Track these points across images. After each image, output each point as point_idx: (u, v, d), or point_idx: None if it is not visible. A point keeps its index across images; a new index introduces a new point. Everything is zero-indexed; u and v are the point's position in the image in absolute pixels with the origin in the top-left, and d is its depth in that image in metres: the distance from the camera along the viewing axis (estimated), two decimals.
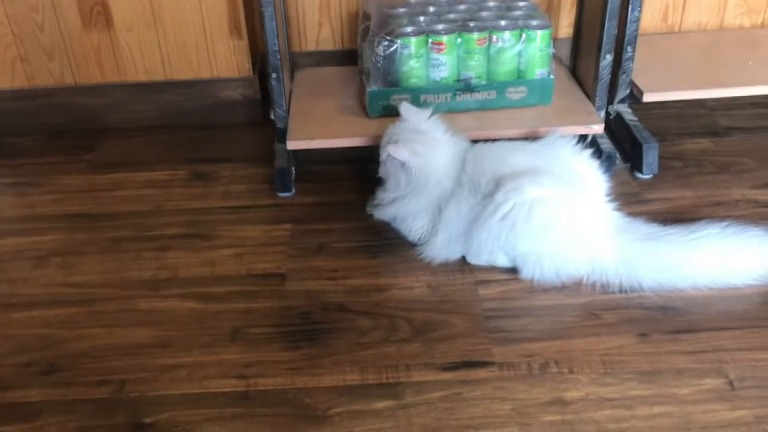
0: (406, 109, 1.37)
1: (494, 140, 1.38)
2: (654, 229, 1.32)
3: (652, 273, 1.26)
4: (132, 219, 1.50)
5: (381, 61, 1.51)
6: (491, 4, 1.62)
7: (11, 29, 1.70)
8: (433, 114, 1.37)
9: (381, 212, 1.43)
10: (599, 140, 1.57)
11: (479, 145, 1.36)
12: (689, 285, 1.25)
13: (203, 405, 1.09)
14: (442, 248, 1.34)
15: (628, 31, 1.53)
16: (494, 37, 1.52)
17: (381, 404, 1.08)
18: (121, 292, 1.31)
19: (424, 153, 1.31)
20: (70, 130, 1.81)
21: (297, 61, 1.83)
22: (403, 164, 1.32)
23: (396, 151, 1.31)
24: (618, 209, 1.34)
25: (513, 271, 1.31)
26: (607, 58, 1.54)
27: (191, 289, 1.31)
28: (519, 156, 1.30)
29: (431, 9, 1.62)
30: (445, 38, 1.50)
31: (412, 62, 1.52)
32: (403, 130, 1.35)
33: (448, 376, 1.12)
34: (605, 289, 1.27)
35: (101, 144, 1.77)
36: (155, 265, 1.37)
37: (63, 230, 1.48)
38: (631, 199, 1.48)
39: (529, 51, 1.53)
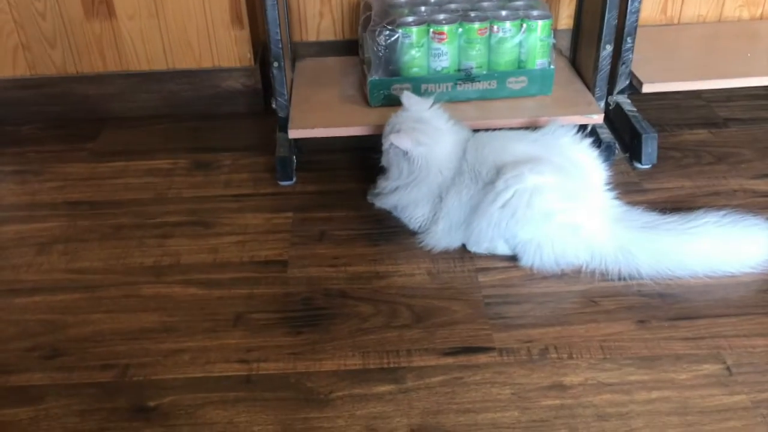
0: (408, 98, 1.38)
1: (495, 129, 1.39)
2: (653, 217, 1.34)
3: (650, 261, 1.27)
4: (134, 207, 1.51)
5: (382, 51, 1.51)
6: None
7: (12, 16, 1.70)
8: (434, 103, 1.38)
9: (382, 201, 1.44)
10: (599, 130, 1.58)
11: (480, 134, 1.36)
12: (687, 273, 1.27)
13: (206, 389, 1.10)
14: (442, 236, 1.35)
15: (627, 22, 1.54)
16: (495, 27, 1.52)
17: (382, 388, 1.09)
18: (124, 279, 1.32)
19: (426, 142, 1.32)
20: (72, 119, 1.82)
21: (297, 52, 1.83)
22: (405, 153, 1.33)
23: (399, 140, 1.31)
24: (617, 198, 1.35)
25: (513, 258, 1.32)
26: (607, 49, 1.55)
27: (194, 275, 1.32)
28: (520, 145, 1.31)
29: None
30: (446, 28, 1.51)
31: (413, 52, 1.52)
32: (405, 119, 1.36)
33: (448, 361, 1.13)
34: (604, 276, 1.28)
35: (103, 133, 1.78)
36: (158, 252, 1.38)
37: (65, 217, 1.49)
38: (630, 189, 1.49)
39: (530, 41, 1.54)
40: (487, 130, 1.39)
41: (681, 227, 1.30)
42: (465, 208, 1.31)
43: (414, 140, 1.31)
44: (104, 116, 1.82)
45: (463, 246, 1.35)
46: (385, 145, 1.36)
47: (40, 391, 1.11)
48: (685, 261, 1.27)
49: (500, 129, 1.40)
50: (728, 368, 1.11)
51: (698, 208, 1.36)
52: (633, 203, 1.39)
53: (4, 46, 1.74)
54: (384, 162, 1.39)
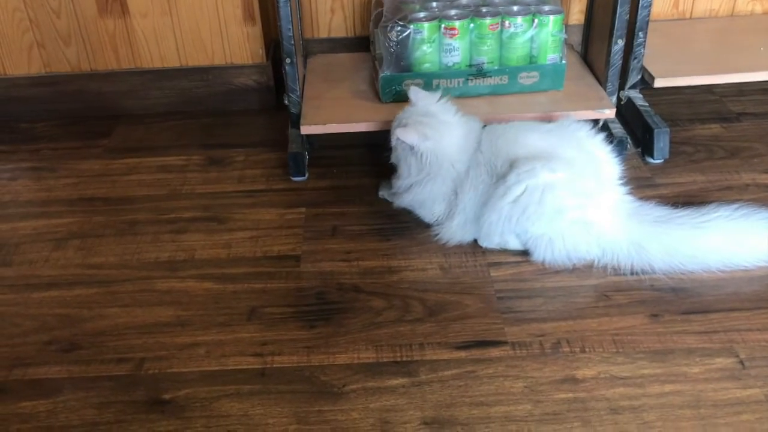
0: (415, 93, 1.38)
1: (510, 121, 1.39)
2: (665, 212, 1.33)
3: (663, 256, 1.27)
4: (148, 202, 1.52)
5: (394, 47, 1.52)
6: None
7: (28, 14, 1.72)
8: (442, 97, 1.37)
9: (398, 200, 1.43)
10: (611, 125, 1.58)
11: (494, 126, 1.36)
12: (701, 267, 1.26)
13: (221, 382, 1.12)
14: (457, 231, 1.35)
15: (639, 17, 1.54)
16: (507, 23, 1.53)
17: (395, 381, 1.10)
18: (139, 273, 1.33)
19: (433, 136, 1.31)
20: (86, 116, 1.84)
21: (309, 48, 1.84)
22: (412, 148, 1.32)
23: (405, 135, 1.31)
24: (629, 193, 1.35)
25: (524, 253, 1.32)
26: (619, 44, 1.55)
27: (208, 270, 1.33)
28: (534, 136, 1.31)
29: None
30: (457, 23, 1.51)
31: (425, 47, 1.53)
32: (411, 114, 1.35)
33: (461, 354, 1.14)
34: (616, 271, 1.28)
35: (116, 129, 1.79)
36: (172, 247, 1.39)
37: (80, 213, 1.50)
38: (642, 184, 1.49)
39: (542, 36, 1.54)
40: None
41: (693, 221, 1.30)
42: (480, 202, 1.31)
43: (421, 134, 1.31)
44: (118, 113, 1.84)
45: (476, 241, 1.35)
46: (393, 141, 1.36)
47: (57, 384, 1.13)
48: (698, 255, 1.26)
49: (515, 120, 1.40)
50: (741, 362, 1.11)
51: (711, 202, 1.36)
52: (645, 198, 1.39)
53: (20, 44, 1.76)
54: (393, 159, 1.39)
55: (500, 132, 1.33)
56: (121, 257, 1.38)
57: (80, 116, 1.84)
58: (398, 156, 1.37)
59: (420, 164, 1.34)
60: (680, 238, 1.28)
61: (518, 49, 1.55)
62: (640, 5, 1.52)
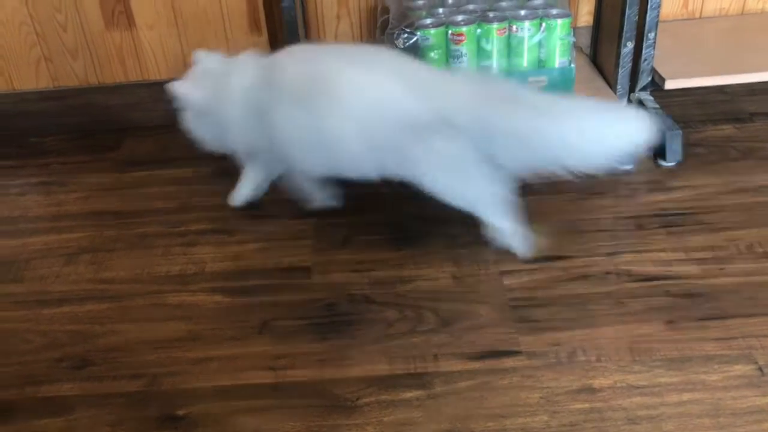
0: (198, 54, 1.38)
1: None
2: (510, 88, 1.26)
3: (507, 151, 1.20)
4: (158, 215, 1.52)
5: None
6: None
7: (35, 29, 1.72)
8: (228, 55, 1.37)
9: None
10: None
11: (283, 60, 1.33)
12: (552, 163, 1.21)
13: (234, 397, 1.11)
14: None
15: (648, 18, 1.52)
16: (514, 27, 1.51)
17: (410, 394, 1.09)
18: (150, 287, 1.33)
19: (207, 87, 1.32)
20: (95, 130, 1.84)
21: None
22: (193, 105, 1.33)
23: (178, 89, 1.31)
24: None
25: (538, 261, 1.31)
26: (628, 46, 1.53)
27: (219, 283, 1.33)
28: (331, 62, 1.27)
29: (450, 0, 1.61)
30: (464, 29, 1.50)
31: (432, 54, 1.52)
32: (191, 72, 1.36)
33: (476, 365, 1.13)
34: (630, 276, 1.26)
35: (125, 142, 1.79)
36: (183, 261, 1.38)
37: (91, 228, 1.50)
38: (654, 187, 1.48)
39: (549, 40, 1.53)
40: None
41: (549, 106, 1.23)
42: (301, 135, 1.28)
43: (197, 88, 1.31)
44: (126, 126, 1.84)
45: (489, 248, 1.34)
46: (175, 103, 1.35)
47: (69, 402, 1.12)
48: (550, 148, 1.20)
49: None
50: (760, 369, 1.09)
51: (724, 206, 1.34)
52: (657, 202, 1.38)
53: (27, 59, 1.76)
54: (186, 126, 1.38)
55: (295, 68, 1.29)
56: (132, 271, 1.37)
57: (89, 130, 1.84)
58: (188, 121, 1.37)
59: (209, 119, 1.34)
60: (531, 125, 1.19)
61: (526, 54, 1.54)
62: (649, 6, 1.51)
